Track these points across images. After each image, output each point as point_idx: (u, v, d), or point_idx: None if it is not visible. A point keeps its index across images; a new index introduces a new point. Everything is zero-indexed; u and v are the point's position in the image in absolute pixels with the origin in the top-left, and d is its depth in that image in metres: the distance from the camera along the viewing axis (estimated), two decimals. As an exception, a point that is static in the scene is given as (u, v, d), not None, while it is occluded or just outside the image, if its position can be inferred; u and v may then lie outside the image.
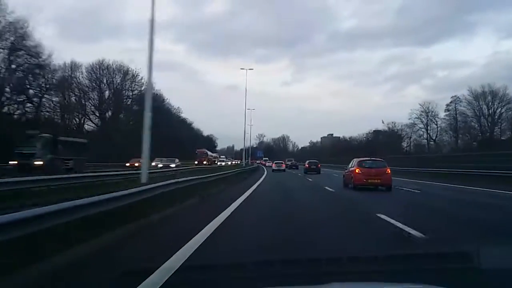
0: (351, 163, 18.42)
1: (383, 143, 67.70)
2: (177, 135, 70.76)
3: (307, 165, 39.50)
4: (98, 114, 60.47)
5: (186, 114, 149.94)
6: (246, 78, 67.83)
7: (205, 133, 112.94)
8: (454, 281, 3.59)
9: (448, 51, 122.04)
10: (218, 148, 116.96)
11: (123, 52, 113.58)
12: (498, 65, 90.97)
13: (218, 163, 63.57)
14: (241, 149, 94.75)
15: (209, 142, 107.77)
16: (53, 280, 3.99)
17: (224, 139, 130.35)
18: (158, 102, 69.13)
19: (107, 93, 62.05)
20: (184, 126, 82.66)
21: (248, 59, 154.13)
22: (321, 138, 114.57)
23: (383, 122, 75.69)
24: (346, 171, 18.95)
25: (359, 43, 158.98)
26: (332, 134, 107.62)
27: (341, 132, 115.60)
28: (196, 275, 3.97)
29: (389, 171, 17.16)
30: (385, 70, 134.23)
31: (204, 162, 57.76)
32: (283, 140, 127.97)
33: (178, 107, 79.35)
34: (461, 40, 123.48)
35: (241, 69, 56.26)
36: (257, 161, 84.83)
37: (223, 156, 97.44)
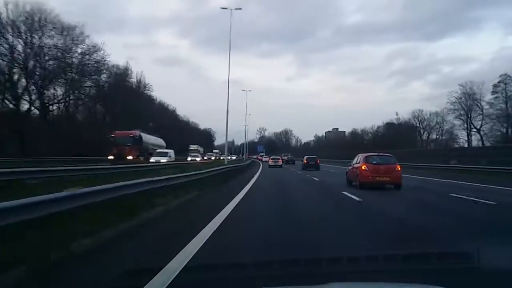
0: (356, 158, 16.93)
1: (397, 136, 64.02)
2: (158, 126, 60.75)
3: (305, 161, 38.57)
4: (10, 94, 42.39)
5: (187, 109, 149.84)
6: (231, 19, 36.42)
7: (212, 130, 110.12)
8: (454, 281, 3.57)
9: (453, 46, 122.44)
10: (217, 142, 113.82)
11: (124, 47, 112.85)
12: (505, 61, 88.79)
13: (153, 159, 36.12)
14: (242, 144, 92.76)
15: (207, 136, 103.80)
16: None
17: (224, 134, 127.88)
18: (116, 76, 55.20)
19: (35, 60, 42.87)
20: (164, 113, 72.37)
21: (252, 54, 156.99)
22: (325, 132, 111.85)
23: (397, 114, 71.87)
24: (350, 167, 17.37)
25: (364, 38, 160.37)
26: (337, 129, 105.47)
27: (346, 127, 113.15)
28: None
29: (399, 168, 15.59)
30: (390, 65, 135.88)
31: (130, 157, 33.47)
32: (286, 134, 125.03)
33: (148, 84, 66.25)
34: (467, 36, 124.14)
35: (222, 8, 37.35)
36: (254, 156, 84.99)
37: (216, 150, 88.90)
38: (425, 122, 65.33)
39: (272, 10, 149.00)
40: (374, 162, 15.62)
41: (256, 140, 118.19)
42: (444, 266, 4.07)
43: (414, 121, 66.93)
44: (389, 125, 72.83)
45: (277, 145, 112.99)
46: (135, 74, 64.39)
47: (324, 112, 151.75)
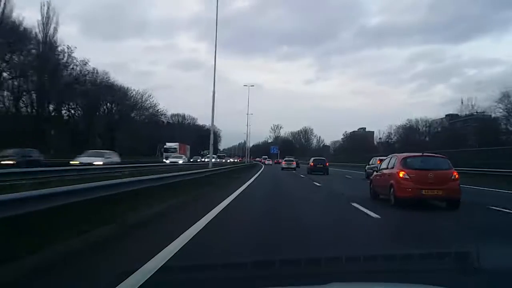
0: (387, 160, 11.92)
1: (469, 133, 53.06)
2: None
3: (311, 164, 35.40)
4: None
5: (199, 113, 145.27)
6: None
7: (218, 130, 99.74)
8: (454, 281, 3.62)
9: (479, 48, 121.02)
10: (225, 145, 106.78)
11: (146, 50, 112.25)
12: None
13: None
14: (253, 146, 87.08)
15: (205, 134, 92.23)
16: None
17: (238, 136, 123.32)
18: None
19: None
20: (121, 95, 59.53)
21: (271, 57, 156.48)
22: (349, 132, 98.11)
23: (462, 102, 60.13)
24: (377, 173, 12.30)
25: (387, 40, 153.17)
26: (365, 128, 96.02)
27: (370, 128, 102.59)
28: None
29: (457, 176, 10.53)
30: (414, 68, 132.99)
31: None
32: (305, 133, 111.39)
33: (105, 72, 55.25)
34: (494, 38, 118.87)
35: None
36: (257, 159, 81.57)
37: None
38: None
39: (292, 12, 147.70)
40: (417, 167, 10.58)
41: (270, 141, 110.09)
42: (444, 266, 4.07)
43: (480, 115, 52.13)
44: (452, 117, 63.56)
45: (294, 145, 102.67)
46: (38, 24, 43.67)
47: (346, 114, 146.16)
